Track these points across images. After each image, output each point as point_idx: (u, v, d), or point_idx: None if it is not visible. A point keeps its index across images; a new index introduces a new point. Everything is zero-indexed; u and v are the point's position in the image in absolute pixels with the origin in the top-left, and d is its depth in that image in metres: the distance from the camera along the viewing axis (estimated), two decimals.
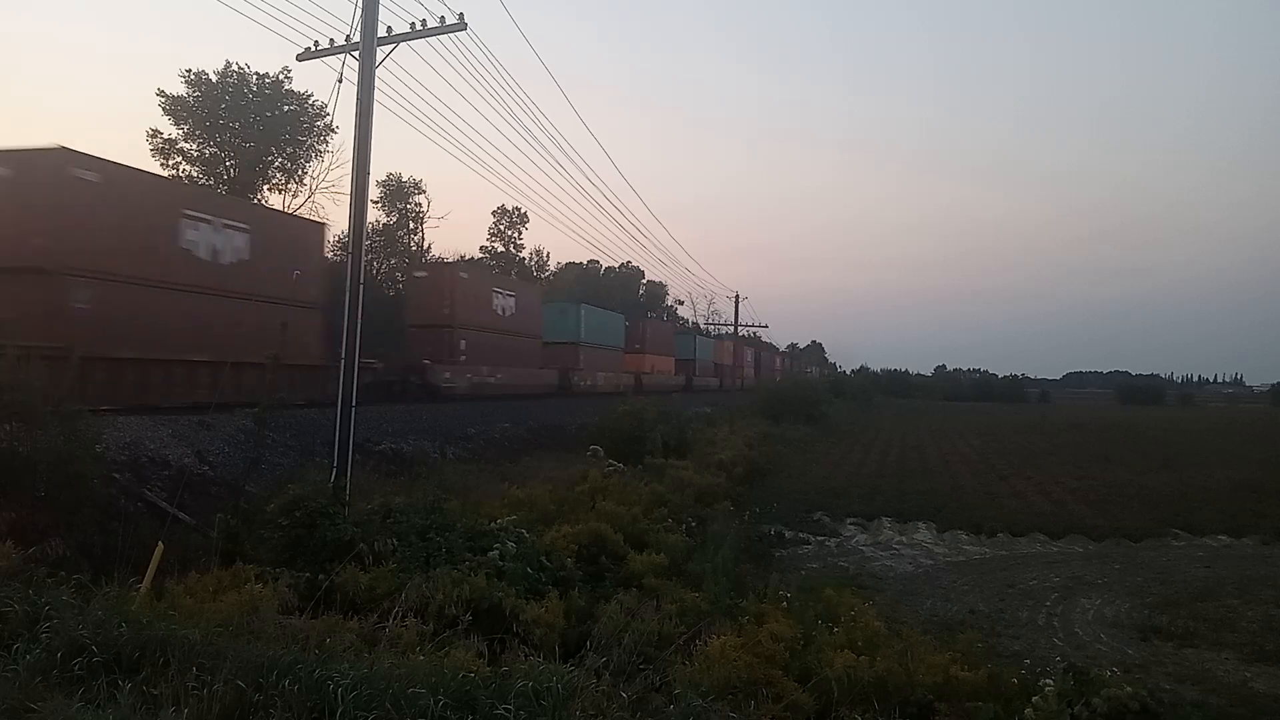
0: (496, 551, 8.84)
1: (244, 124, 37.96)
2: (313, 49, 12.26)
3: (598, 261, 76.77)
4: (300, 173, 40.89)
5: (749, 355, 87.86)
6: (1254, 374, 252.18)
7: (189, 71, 37.12)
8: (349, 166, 11.73)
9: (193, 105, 36.98)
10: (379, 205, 51.12)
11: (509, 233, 66.03)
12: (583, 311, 41.48)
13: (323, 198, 42.45)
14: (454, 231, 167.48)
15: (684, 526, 13.37)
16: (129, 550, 7.74)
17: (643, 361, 49.40)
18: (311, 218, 40.84)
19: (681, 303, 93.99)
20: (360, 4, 11.44)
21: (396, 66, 23.15)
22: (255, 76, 38.19)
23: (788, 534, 16.36)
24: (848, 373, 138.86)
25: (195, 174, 37.86)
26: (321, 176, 41.70)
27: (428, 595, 7.32)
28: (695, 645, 6.93)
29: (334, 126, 39.72)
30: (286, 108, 38.96)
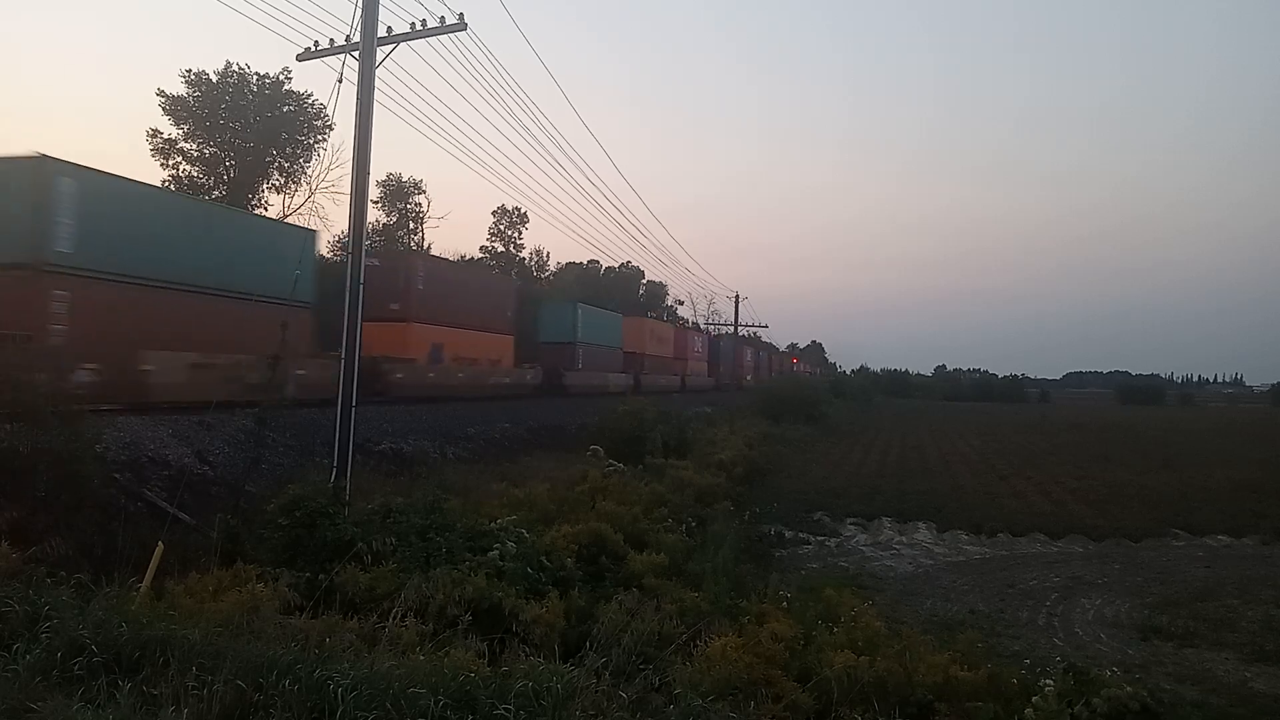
0: (496, 551, 8.84)
1: (244, 124, 37.94)
2: (313, 49, 12.27)
3: (598, 261, 76.74)
4: (300, 173, 40.89)
5: (699, 345, 63.75)
6: (1254, 374, 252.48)
7: (189, 71, 37.11)
8: (349, 166, 11.74)
9: (193, 105, 36.95)
10: (379, 205, 51.17)
11: (509, 233, 65.98)
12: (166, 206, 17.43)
13: (323, 198, 42.49)
14: (454, 231, 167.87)
15: (684, 526, 13.36)
16: (129, 550, 7.75)
17: (410, 336, 24.50)
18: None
19: (681, 303, 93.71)
20: (360, 4, 11.44)
21: (396, 66, 23.17)
22: (255, 77, 38.18)
23: (788, 534, 16.36)
24: (848, 373, 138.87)
25: (195, 174, 37.85)
26: (321, 176, 41.69)
27: (428, 595, 7.32)
28: (695, 645, 6.93)
29: (331, 124, 39.65)
30: (286, 108, 38.94)
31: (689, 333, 63.76)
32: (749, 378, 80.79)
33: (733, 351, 75.40)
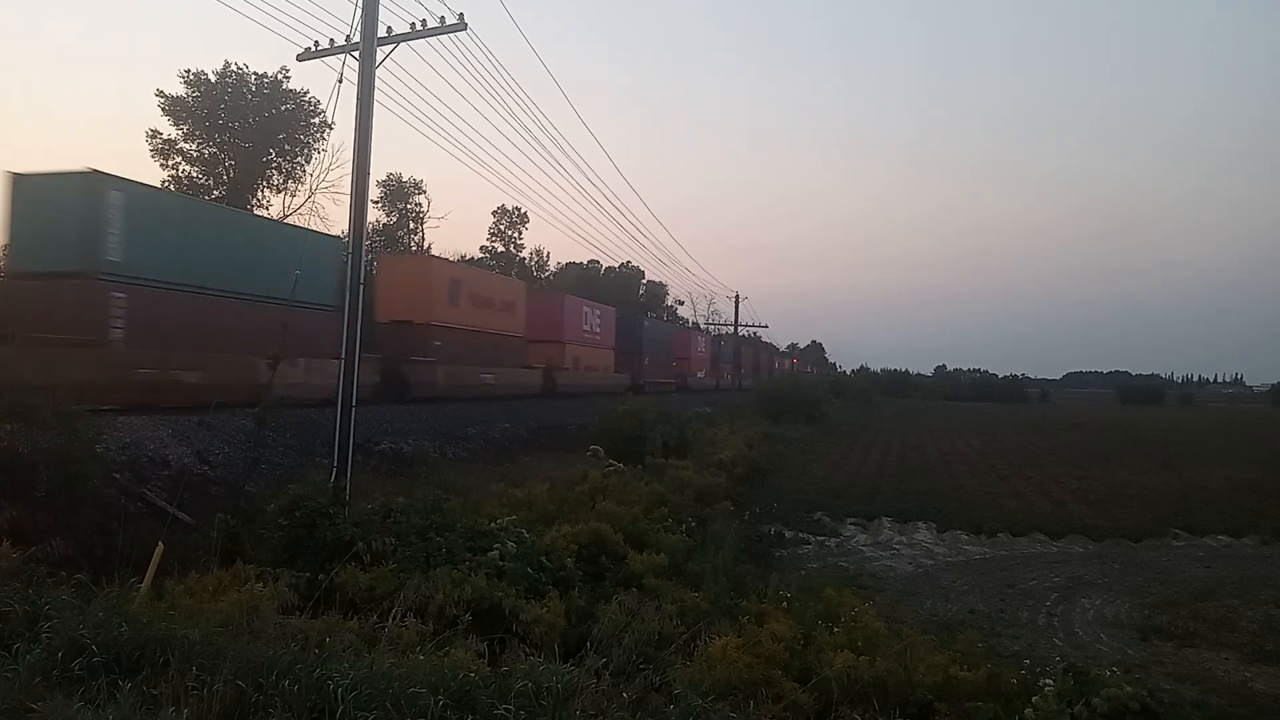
0: (496, 551, 8.84)
1: (243, 124, 37.94)
2: (313, 49, 12.26)
3: (598, 262, 76.79)
4: (299, 173, 40.89)
5: (595, 323, 40.56)
6: (1254, 374, 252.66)
7: (188, 72, 37.13)
8: (349, 166, 11.73)
9: (192, 105, 36.96)
10: (379, 205, 51.24)
11: (509, 233, 66.10)
12: None
13: (323, 198, 42.55)
14: (454, 231, 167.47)
15: (684, 526, 13.36)
16: (129, 550, 7.73)
17: None
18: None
19: (682, 303, 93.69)
20: (360, 4, 11.44)
21: (396, 66, 23.14)
22: (254, 76, 38.18)
23: (788, 534, 16.36)
24: (848, 373, 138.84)
25: (195, 174, 37.87)
26: (321, 176, 41.70)
27: (428, 595, 7.32)
28: (695, 645, 6.93)
29: (331, 124, 39.64)
30: (285, 107, 38.94)
31: (568, 301, 38.48)
32: (701, 374, 59.85)
33: (669, 340, 54.20)
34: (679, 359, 55.79)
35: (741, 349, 78.57)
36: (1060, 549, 15.96)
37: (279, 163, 39.74)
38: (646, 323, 50.51)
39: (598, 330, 40.98)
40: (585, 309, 40.26)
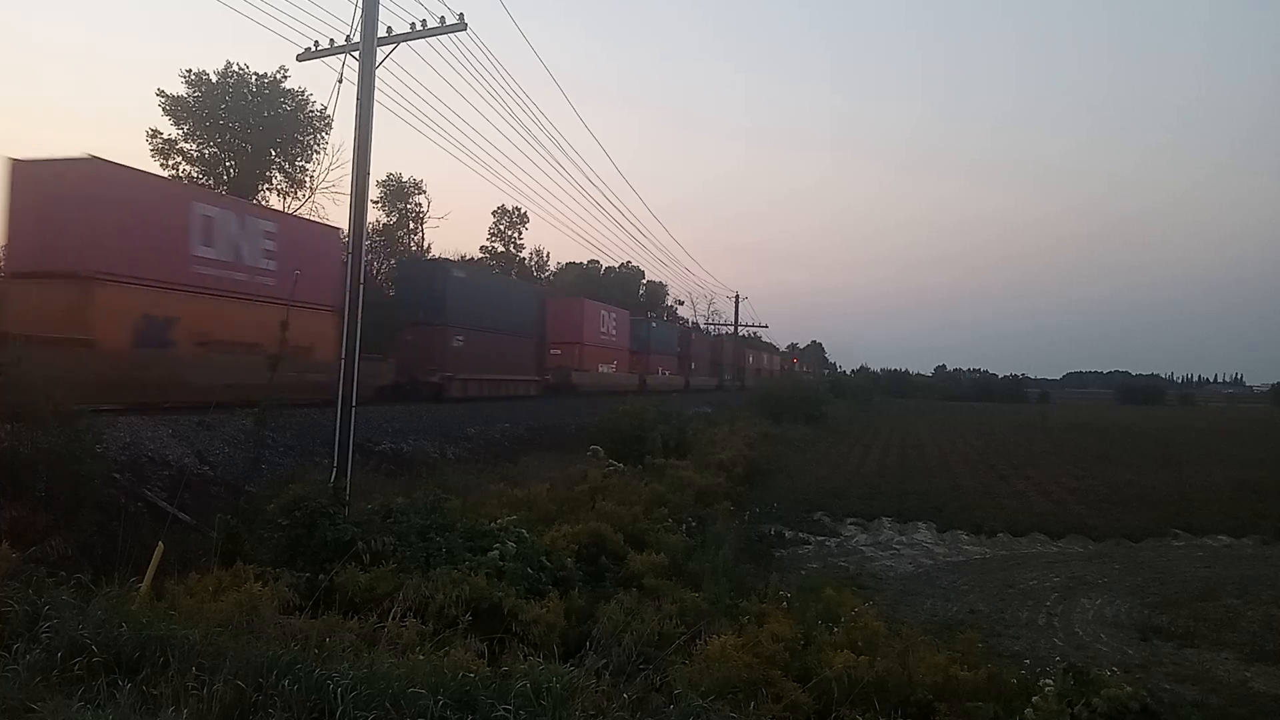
0: (496, 551, 8.84)
1: (244, 124, 37.92)
2: (313, 49, 12.27)
3: (598, 261, 76.74)
4: (300, 173, 40.86)
5: (256, 237, 17.19)
6: (1254, 374, 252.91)
7: (189, 71, 37.10)
8: (349, 166, 11.74)
9: (193, 105, 36.94)
10: (379, 205, 51.11)
11: (509, 233, 65.98)
12: None
13: (323, 198, 42.44)
14: (454, 231, 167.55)
15: (684, 526, 13.35)
16: (129, 550, 7.73)
17: None
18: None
19: (682, 303, 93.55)
20: (360, 4, 11.44)
21: (396, 66, 23.13)
22: (255, 76, 38.16)
23: (788, 534, 16.36)
24: (848, 372, 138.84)
25: (195, 174, 37.84)
26: (321, 176, 41.67)
27: (427, 595, 7.31)
28: (695, 645, 6.92)
29: (332, 124, 39.60)
30: (286, 108, 38.92)
31: (144, 186, 15.45)
32: (609, 368, 41.43)
33: (534, 310, 32.69)
34: (563, 344, 36.13)
35: (692, 338, 59.66)
36: (1060, 549, 15.96)
37: (280, 163, 39.72)
38: (459, 272, 29.04)
39: (269, 266, 18.23)
40: (211, 212, 17.08)
